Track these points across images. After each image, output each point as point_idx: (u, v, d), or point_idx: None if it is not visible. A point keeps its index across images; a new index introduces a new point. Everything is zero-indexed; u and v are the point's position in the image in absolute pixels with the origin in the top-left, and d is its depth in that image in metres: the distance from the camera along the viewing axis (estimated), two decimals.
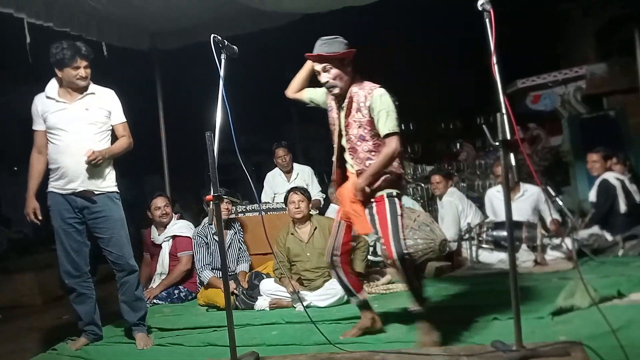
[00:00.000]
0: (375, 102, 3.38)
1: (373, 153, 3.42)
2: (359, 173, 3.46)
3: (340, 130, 3.52)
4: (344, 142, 3.52)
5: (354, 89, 3.45)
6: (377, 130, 3.40)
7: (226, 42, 3.20)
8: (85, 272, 4.28)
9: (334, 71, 3.41)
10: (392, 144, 3.35)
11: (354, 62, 3.49)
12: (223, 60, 3.17)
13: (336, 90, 3.44)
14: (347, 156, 3.54)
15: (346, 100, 3.45)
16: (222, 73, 3.12)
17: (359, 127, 3.43)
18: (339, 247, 3.62)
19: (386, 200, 3.44)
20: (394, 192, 3.46)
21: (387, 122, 3.36)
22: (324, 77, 3.43)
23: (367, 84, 3.47)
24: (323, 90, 3.60)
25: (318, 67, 3.44)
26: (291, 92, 3.82)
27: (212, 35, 3.14)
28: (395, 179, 3.49)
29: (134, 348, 4.19)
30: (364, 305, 3.78)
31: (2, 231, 10.99)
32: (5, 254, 9.95)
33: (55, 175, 4.15)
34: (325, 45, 3.42)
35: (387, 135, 3.36)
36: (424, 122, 11.08)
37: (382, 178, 3.43)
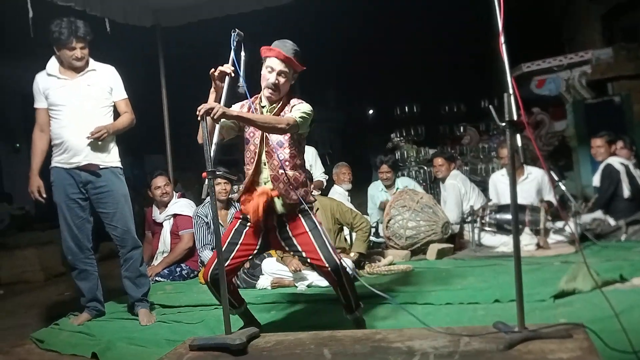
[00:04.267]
0: (300, 106, 3.28)
1: (287, 162, 3.28)
2: (273, 178, 3.26)
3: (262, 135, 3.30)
4: (262, 147, 3.31)
5: (285, 99, 3.34)
6: (295, 137, 3.28)
7: (243, 34, 3.16)
8: (88, 248, 4.28)
9: (285, 80, 3.29)
10: (289, 120, 3.15)
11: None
12: (243, 59, 3.13)
13: (274, 96, 3.30)
14: (262, 162, 3.33)
15: (276, 105, 3.31)
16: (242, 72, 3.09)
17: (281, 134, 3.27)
18: (230, 260, 3.31)
19: (300, 215, 3.31)
20: (305, 206, 3.32)
21: (299, 114, 3.20)
22: (274, 78, 3.26)
23: (295, 99, 3.36)
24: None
25: (276, 66, 3.26)
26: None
27: (235, 33, 3.10)
28: (304, 191, 3.34)
29: (136, 324, 4.20)
30: (246, 314, 3.65)
31: (4, 207, 11.01)
32: (7, 230, 9.98)
33: (59, 150, 4.16)
34: (292, 51, 3.30)
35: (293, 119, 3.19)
36: (427, 105, 11.05)
37: (296, 191, 3.28)
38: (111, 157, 4.26)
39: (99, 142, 4.12)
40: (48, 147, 4.22)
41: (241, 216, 3.39)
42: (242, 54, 3.17)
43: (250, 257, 3.45)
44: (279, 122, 3.13)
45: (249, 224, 3.35)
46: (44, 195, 4.16)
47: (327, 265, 3.22)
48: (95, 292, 4.34)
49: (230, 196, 5.87)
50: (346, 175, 6.89)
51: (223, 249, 3.27)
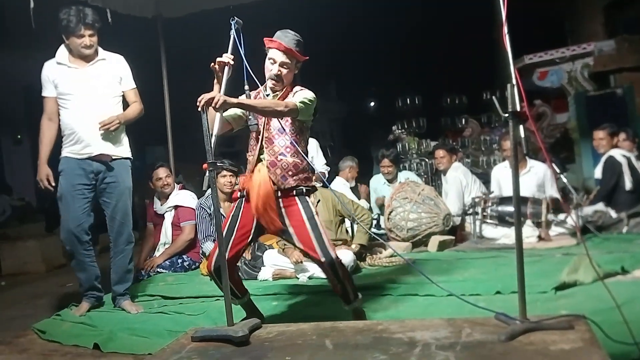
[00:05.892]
0: (302, 92, 3.30)
1: (288, 149, 3.28)
2: (270, 164, 3.27)
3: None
4: (263, 133, 3.32)
5: (289, 87, 3.36)
6: (296, 124, 3.30)
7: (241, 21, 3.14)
8: (87, 240, 4.28)
9: (288, 71, 3.31)
10: (288, 104, 3.18)
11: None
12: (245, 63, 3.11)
13: (278, 87, 3.33)
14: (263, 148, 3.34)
15: (279, 93, 3.33)
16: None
17: (281, 118, 3.29)
18: (231, 247, 3.32)
19: (298, 200, 3.29)
20: (304, 189, 3.31)
21: (300, 99, 3.22)
22: (276, 70, 3.28)
23: (298, 87, 3.38)
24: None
25: (278, 57, 3.27)
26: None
27: (234, 21, 3.09)
28: (304, 177, 3.34)
29: (137, 315, 4.22)
30: (249, 304, 3.64)
31: (5, 199, 10.99)
32: (7, 222, 9.98)
33: (71, 141, 4.16)
34: (294, 42, 3.30)
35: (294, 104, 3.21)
36: (429, 97, 11.02)
37: (294, 177, 3.29)
38: (123, 148, 4.30)
39: (112, 133, 4.14)
40: (56, 136, 4.22)
41: (239, 194, 3.39)
42: (244, 58, 3.12)
43: (249, 239, 3.40)
44: (278, 105, 3.16)
45: (244, 199, 3.33)
46: (53, 184, 4.16)
47: (322, 258, 3.21)
48: (93, 281, 4.34)
49: (234, 188, 5.86)
50: (353, 173, 6.87)
51: (232, 233, 3.32)
